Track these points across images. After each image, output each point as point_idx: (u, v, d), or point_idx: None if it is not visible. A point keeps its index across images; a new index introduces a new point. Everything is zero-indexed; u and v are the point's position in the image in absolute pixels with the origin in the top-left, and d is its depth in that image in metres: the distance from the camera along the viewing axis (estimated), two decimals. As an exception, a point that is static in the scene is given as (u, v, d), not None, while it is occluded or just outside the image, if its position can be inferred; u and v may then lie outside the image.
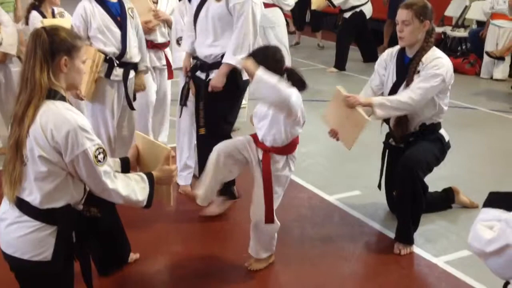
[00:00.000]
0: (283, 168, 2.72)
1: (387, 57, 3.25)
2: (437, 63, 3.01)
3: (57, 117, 2.05)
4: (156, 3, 4.18)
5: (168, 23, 4.19)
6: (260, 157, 2.71)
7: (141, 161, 2.49)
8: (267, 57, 2.57)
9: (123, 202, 2.25)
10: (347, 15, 7.64)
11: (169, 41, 4.29)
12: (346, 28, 7.72)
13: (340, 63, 7.72)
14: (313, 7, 7.92)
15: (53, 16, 4.28)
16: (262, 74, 2.43)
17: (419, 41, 3.05)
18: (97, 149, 2.10)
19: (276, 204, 2.73)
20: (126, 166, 2.41)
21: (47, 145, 2.04)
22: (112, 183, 2.16)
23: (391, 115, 3.12)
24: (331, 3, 7.59)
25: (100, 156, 2.11)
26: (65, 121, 2.05)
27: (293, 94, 2.48)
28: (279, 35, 6.23)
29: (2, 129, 4.41)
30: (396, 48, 3.22)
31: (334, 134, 3.16)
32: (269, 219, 2.69)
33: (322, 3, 7.79)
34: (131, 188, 2.22)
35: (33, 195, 2.11)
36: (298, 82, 2.58)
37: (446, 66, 3.02)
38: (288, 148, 2.71)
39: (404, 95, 3.02)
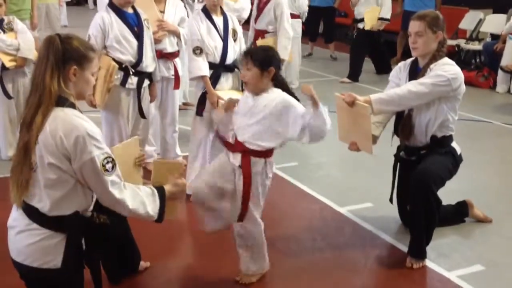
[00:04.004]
0: (262, 172, 2.69)
1: (401, 68, 3.26)
2: (445, 67, 3.01)
3: (66, 124, 2.05)
4: (163, 12, 4.06)
5: (175, 34, 4.08)
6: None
7: (153, 179, 2.45)
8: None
9: (129, 215, 2.23)
10: (361, 25, 7.60)
11: (178, 51, 4.23)
12: (360, 39, 7.68)
13: (354, 74, 7.70)
14: (367, 27, 7.46)
15: None
16: (323, 111, 2.57)
17: (431, 51, 3.05)
18: (106, 158, 2.09)
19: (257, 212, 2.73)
20: None
21: (56, 152, 2.04)
22: (120, 194, 2.14)
23: (389, 110, 3.12)
24: (385, 19, 7.43)
25: (108, 166, 2.10)
26: (74, 128, 2.05)
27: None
28: (295, 45, 6.33)
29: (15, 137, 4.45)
30: (409, 60, 3.22)
31: (354, 146, 3.15)
32: (241, 217, 2.70)
33: (375, 23, 7.44)
34: (139, 200, 2.20)
35: (42, 202, 2.11)
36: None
37: (454, 71, 3.01)
38: (267, 152, 2.68)
39: (403, 88, 3.03)
